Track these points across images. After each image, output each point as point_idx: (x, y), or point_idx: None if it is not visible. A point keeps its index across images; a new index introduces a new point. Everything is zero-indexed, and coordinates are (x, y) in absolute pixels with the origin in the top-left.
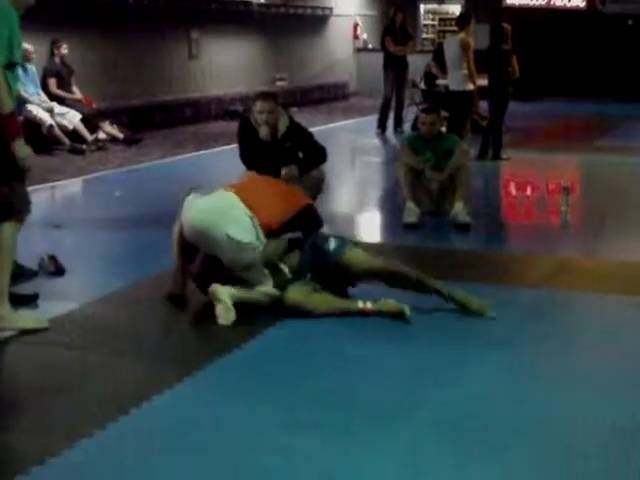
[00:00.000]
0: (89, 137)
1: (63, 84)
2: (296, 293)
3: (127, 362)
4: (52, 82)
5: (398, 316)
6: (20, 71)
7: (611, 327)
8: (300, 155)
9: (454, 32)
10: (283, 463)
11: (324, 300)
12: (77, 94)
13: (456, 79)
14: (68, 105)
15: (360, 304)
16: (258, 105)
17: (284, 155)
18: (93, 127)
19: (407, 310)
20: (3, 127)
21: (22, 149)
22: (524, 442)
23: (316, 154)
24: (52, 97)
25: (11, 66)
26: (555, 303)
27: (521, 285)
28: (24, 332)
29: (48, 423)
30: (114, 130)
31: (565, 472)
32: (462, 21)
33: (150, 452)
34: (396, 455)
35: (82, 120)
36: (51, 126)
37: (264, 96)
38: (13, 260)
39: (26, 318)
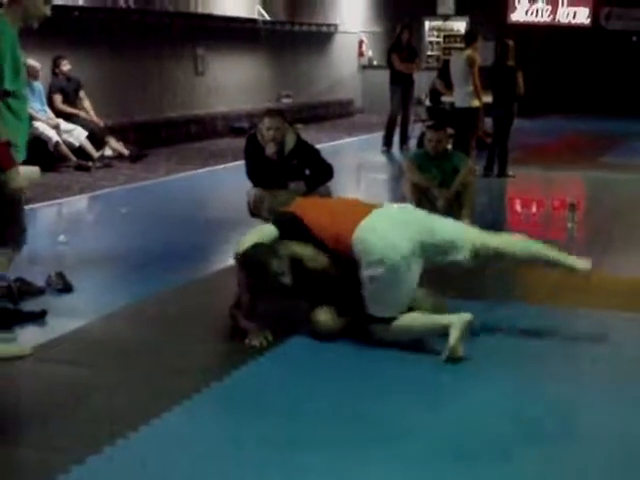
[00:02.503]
0: (95, 154)
1: (69, 100)
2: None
3: (135, 379)
4: (57, 98)
5: None
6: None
7: (616, 344)
8: (307, 172)
9: (460, 49)
10: None
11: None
12: (87, 106)
13: (462, 96)
14: (74, 122)
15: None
16: (265, 122)
17: (291, 172)
18: (99, 143)
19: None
20: None
21: (14, 179)
22: (527, 458)
23: (323, 171)
24: (58, 113)
25: (5, 94)
26: (559, 319)
27: (525, 301)
28: (7, 360)
29: (54, 440)
30: (120, 146)
31: None
32: (469, 38)
33: (159, 469)
34: (401, 474)
35: (88, 137)
36: (57, 143)
37: (271, 113)
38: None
39: (8, 346)
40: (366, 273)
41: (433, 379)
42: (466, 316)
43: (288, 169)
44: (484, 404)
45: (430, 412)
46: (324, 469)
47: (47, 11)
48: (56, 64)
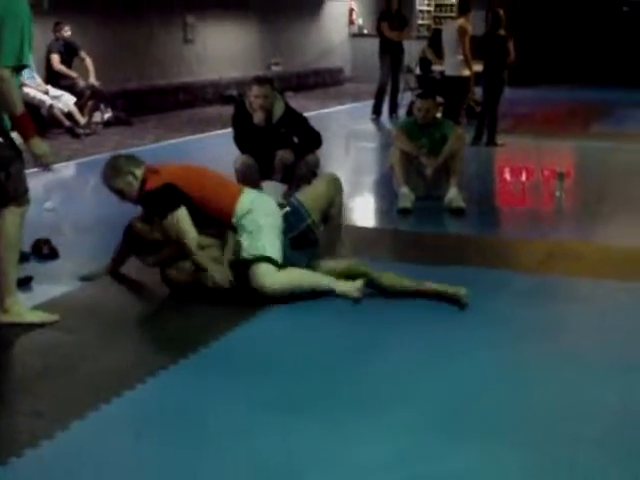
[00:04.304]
0: (82, 120)
1: (65, 63)
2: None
3: (121, 344)
4: (55, 58)
5: (455, 300)
6: None
7: (604, 312)
8: (295, 140)
9: (452, 18)
10: (279, 443)
11: (395, 278)
12: (88, 65)
13: (452, 64)
14: (63, 87)
15: (427, 284)
16: (254, 90)
17: (279, 140)
18: (90, 105)
19: (464, 291)
20: (18, 127)
21: (39, 147)
22: (516, 428)
23: (311, 139)
24: (52, 76)
25: (21, 69)
26: (548, 288)
27: (515, 269)
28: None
29: (39, 406)
30: (109, 113)
31: (555, 459)
32: (463, 7)
33: (145, 433)
34: (389, 441)
35: (76, 102)
36: (51, 106)
37: (260, 81)
38: (19, 250)
39: (36, 313)
40: (241, 228)
41: (423, 346)
42: (354, 286)
43: (276, 137)
44: (471, 369)
45: (420, 378)
46: (310, 432)
47: None
48: (57, 29)
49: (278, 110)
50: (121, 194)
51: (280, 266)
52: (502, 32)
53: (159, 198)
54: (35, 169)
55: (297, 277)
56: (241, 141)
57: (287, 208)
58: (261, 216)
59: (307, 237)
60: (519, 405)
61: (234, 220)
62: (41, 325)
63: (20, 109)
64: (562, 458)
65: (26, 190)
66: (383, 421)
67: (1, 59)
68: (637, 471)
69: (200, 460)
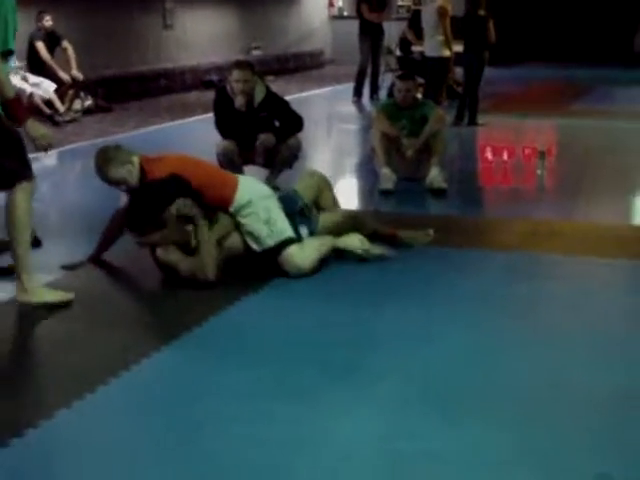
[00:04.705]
0: (62, 108)
1: (48, 53)
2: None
3: (104, 333)
4: (41, 46)
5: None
6: None
7: (584, 288)
8: (277, 124)
9: None
10: (265, 422)
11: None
12: (70, 55)
13: (432, 45)
14: (44, 76)
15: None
16: (234, 74)
17: (260, 124)
18: (71, 94)
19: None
20: (12, 111)
21: (36, 129)
22: (491, 402)
23: (292, 123)
24: (37, 63)
25: (8, 54)
26: (529, 265)
27: (496, 248)
28: (50, 306)
29: (23, 395)
30: (89, 101)
31: (532, 433)
32: None
33: (132, 420)
34: (376, 415)
35: (56, 90)
36: (31, 94)
37: (240, 65)
38: (32, 229)
39: (54, 292)
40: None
41: (403, 323)
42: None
43: (257, 121)
44: (449, 346)
45: (402, 356)
46: (298, 415)
47: None
48: (39, 18)
49: (259, 94)
50: (122, 183)
51: (297, 240)
52: (482, 12)
53: (163, 188)
54: (35, 154)
55: (318, 246)
56: (222, 126)
57: (279, 192)
58: (264, 200)
59: (303, 214)
60: (497, 383)
61: (232, 209)
62: (59, 305)
63: (11, 93)
64: (540, 436)
65: (30, 167)
66: (362, 398)
67: None
68: (617, 446)
69: (188, 445)
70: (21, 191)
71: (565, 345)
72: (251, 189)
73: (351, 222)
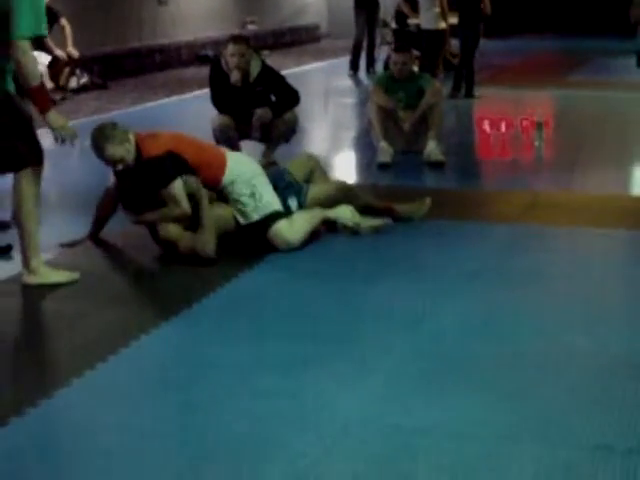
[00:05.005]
0: (50, 84)
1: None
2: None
3: (102, 310)
4: None
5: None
6: None
7: (583, 259)
8: (273, 98)
9: None
10: (263, 399)
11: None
12: (67, 33)
13: (428, 18)
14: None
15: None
16: (230, 48)
17: (256, 98)
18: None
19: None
20: (35, 99)
21: (56, 119)
22: (490, 375)
23: (289, 97)
24: (35, 40)
25: (38, 39)
26: (529, 237)
27: (495, 221)
28: (54, 286)
29: (26, 374)
30: (85, 78)
31: (539, 405)
32: None
33: (132, 397)
34: (373, 389)
35: (50, 65)
36: None
37: (236, 39)
38: (38, 209)
39: (60, 272)
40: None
41: (403, 297)
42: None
43: (253, 95)
44: (453, 319)
45: (404, 331)
46: (300, 389)
47: None
48: None
49: (255, 68)
50: (120, 162)
51: (286, 214)
52: None
53: (162, 166)
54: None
55: (309, 219)
56: (218, 101)
57: (271, 169)
58: (250, 175)
59: (291, 185)
60: (495, 356)
61: (222, 186)
62: (65, 285)
63: (36, 81)
64: (539, 408)
65: (40, 151)
66: (360, 373)
67: (19, 30)
68: (618, 416)
69: (186, 421)
70: (28, 176)
71: (564, 316)
72: (239, 165)
73: (342, 194)
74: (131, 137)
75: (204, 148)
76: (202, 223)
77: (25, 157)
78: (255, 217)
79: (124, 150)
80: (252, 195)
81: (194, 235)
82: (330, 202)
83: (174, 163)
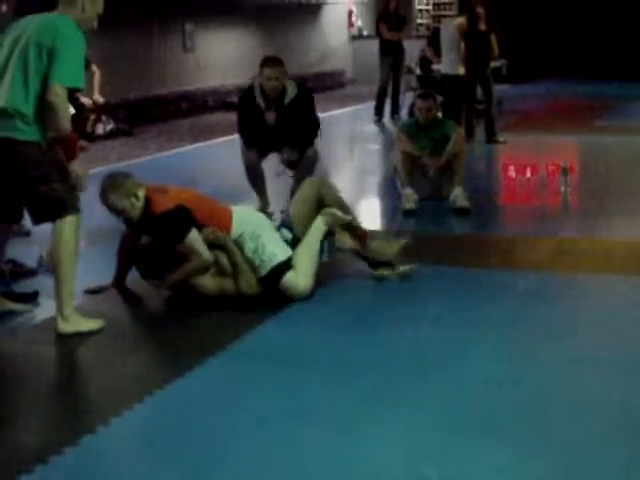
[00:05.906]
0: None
1: None
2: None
3: (129, 357)
4: None
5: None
6: None
7: (611, 308)
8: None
9: (452, 16)
10: (289, 451)
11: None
12: (96, 79)
13: (449, 62)
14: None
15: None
16: (266, 72)
17: (285, 129)
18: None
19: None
20: (64, 147)
21: (80, 167)
22: (525, 425)
23: (309, 131)
24: None
25: (76, 91)
26: (555, 285)
27: (522, 268)
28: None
29: (50, 421)
30: (111, 124)
31: (567, 456)
32: (464, 5)
33: (155, 447)
34: (394, 440)
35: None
36: None
37: (271, 62)
38: (77, 258)
39: (89, 320)
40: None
41: (429, 345)
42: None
43: (283, 129)
44: (479, 367)
45: (426, 378)
46: (320, 439)
47: (99, 10)
48: None
49: (291, 91)
50: (121, 214)
51: (289, 263)
52: (482, 26)
53: (174, 220)
54: None
55: (310, 257)
56: (247, 134)
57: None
58: (254, 228)
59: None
60: (525, 407)
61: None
62: (93, 333)
63: (68, 129)
64: (569, 463)
65: (78, 198)
66: (386, 422)
67: (60, 77)
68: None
69: (219, 467)
70: (69, 224)
71: (594, 367)
72: (244, 220)
73: (315, 195)
74: (140, 194)
75: (211, 204)
76: (235, 261)
77: (66, 204)
78: (262, 272)
79: (128, 203)
80: (256, 251)
81: (229, 279)
82: (314, 203)
83: (185, 216)
